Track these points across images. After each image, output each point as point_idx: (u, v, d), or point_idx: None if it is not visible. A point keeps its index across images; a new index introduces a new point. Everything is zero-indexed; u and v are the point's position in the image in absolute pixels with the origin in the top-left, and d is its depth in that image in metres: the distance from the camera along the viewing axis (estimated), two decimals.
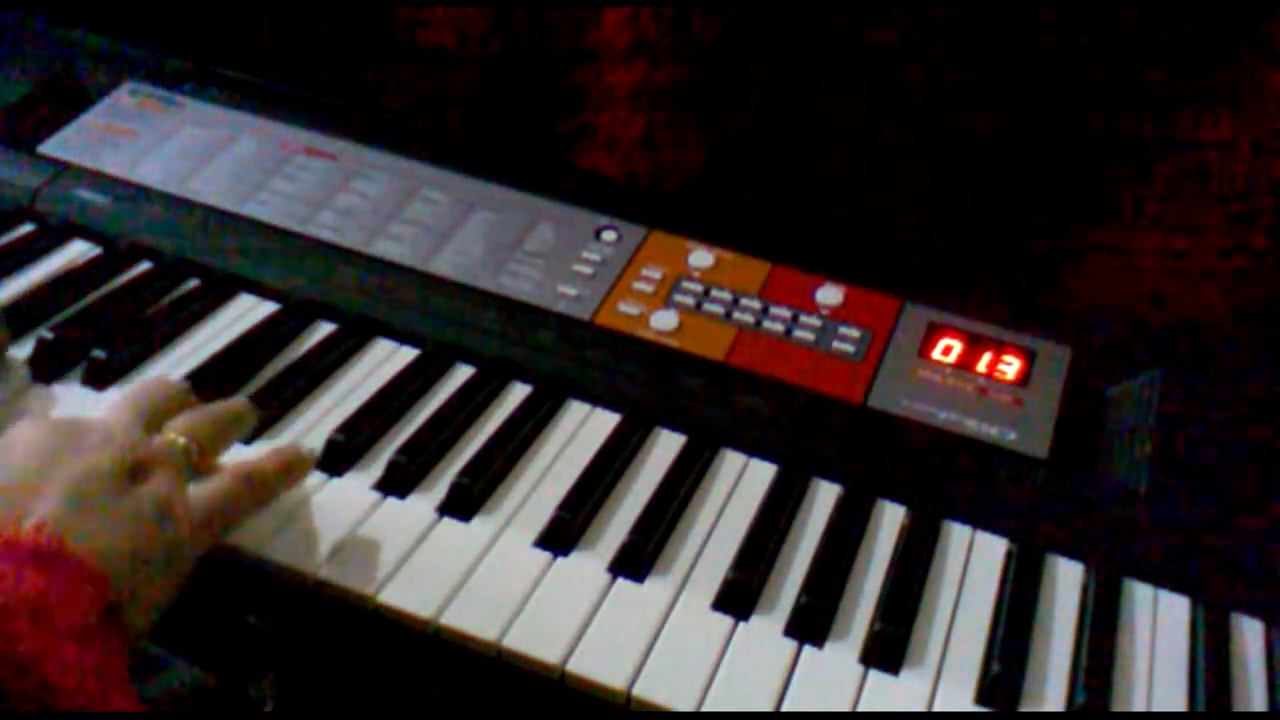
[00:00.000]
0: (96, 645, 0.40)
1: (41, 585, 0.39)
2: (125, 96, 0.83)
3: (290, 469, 0.54)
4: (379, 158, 0.79)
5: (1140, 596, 0.56)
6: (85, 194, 0.75)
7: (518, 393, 0.65)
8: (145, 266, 0.72)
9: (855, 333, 0.68)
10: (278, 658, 0.58)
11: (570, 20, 0.83)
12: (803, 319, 0.68)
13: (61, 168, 0.77)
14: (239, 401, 0.57)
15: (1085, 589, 0.56)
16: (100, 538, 0.43)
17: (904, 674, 0.51)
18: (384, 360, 0.66)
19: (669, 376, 0.65)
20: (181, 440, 0.50)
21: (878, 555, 0.57)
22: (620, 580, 0.54)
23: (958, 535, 0.59)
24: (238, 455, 0.55)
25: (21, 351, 0.63)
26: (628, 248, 0.73)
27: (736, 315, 0.68)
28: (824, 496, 0.60)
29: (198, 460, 0.51)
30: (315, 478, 0.58)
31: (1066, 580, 0.57)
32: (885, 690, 0.50)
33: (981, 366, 0.66)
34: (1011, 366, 0.66)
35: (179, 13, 0.91)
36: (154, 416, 0.51)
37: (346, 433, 0.59)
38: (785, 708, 0.49)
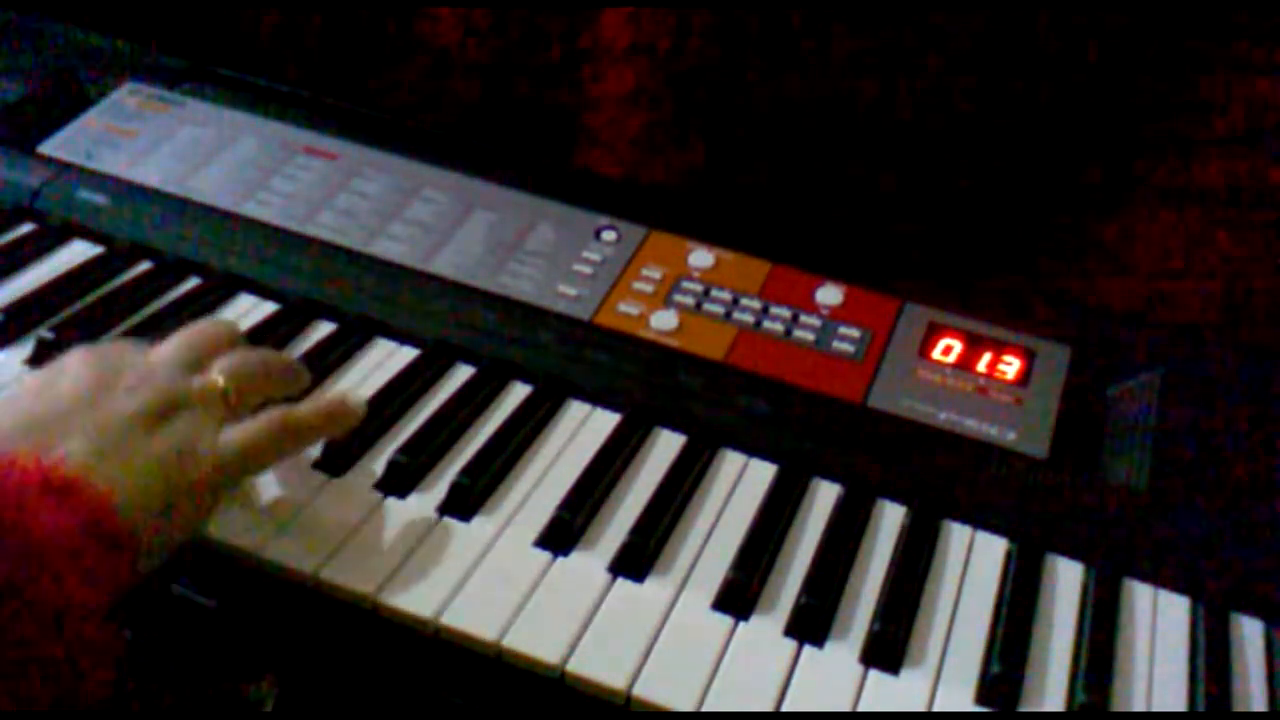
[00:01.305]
0: (94, 581, 0.41)
1: (50, 517, 0.40)
2: (125, 96, 0.83)
3: (334, 417, 0.54)
4: (379, 158, 0.79)
5: (1140, 596, 0.56)
6: (85, 194, 0.75)
7: (518, 393, 0.65)
8: (145, 266, 0.72)
9: (855, 333, 0.68)
10: (278, 658, 0.58)
11: (570, 20, 0.83)
12: (803, 319, 0.68)
13: (61, 168, 0.77)
14: (292, 358, 0.57)
15: (1085, 589, 0.56)
16: (118, 479, 0.44)
17: (904, 674, 0.51)
18: (384, 360, 0.66)
19: (669, 376, 0.65)
20: (220, 380, 0.51)
21: (878, 555, 0.57)
22: (620, 580, 0.54)
23: (958, 535, 0.59)
24: None
25: (21, 352, 0.63)
26: (628, 248, 0.73)
27: (736, 315, 0.69)
28: (824, 496, 0.60)
29: (235, 402, 0.51)
30: (315, 477, 0.58)
31: (1066, 580, 0.57)
32: (885, 690, 0.50)
33: (981, 366, 0.66)
34: (1011, 366, 0.66)
35: (179, 13, 0.91)
36: (199, 356, 0.52)
37: (346, 433, 0.59)
38: (785, 708, 0.49)
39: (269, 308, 0.69)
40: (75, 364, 0.49)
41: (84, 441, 0.45)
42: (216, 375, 0.51)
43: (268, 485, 0.56)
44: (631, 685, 0.49)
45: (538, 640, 0.50)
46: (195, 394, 0.50)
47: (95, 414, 0.46)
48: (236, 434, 0.50)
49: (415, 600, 0.51)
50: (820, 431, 0.63)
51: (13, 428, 0.45)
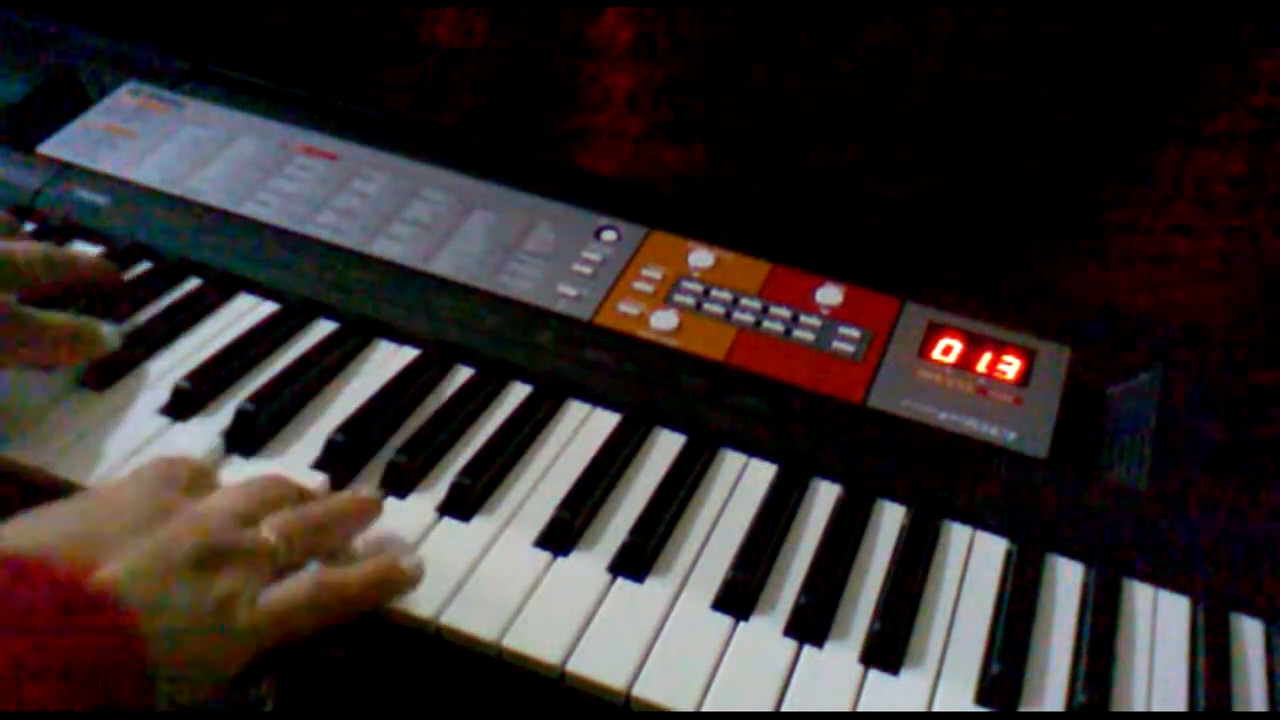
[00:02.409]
0: (107, 684, 0.39)
1: (75, 638, 0.39)
2: (125, 96, 0.83)
3: (383, 585, 0.51)
4: (379, 158, 0.79)
5: (1140, 596, 0.56)
6: (85, 194, 0.75)
7: (518, 393, 0.65)
8: (145, 266, 0.72)
9: (855, 333, 0.68)
10: (278, 658, 0.58)
11: (570, 20, 0.83)
12: (803, 319, 0.68)
13: (61, 168, 0.77)
14: (362, 497, 0.55)
15: (1085, 589, 0.56)
16: (152, 611, 0.42)
17: (904, 674, 0.51)
18: (384, 360, 0.66)
19: (669, 376, 0.65)
20: (271, 539, 0.49)
21: (878, 555, 0.57)
22: (620, 580, 0.54)
23: (958, 535, 0.59)
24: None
25: None
26: (628, 248, 0.73)
27: (736, 315, 0.69)
28: (824, 496, 0.60)
29: (283, 562, 0.49)
30: (315, 477, 0.58)
31: (1066, 580, 0.57)
32: (885, 690, 0.50)
33: (981, 366, 0.66)
34: (1011, 366, 0.66)
35: (179, 13, 0.91)
36: (254, 509, 0.50)
37: (346, 434, 0.59)
38: (785, 708, 0.49)
39: (269, 308, 0.69)
40: (131, 487, 0.48)
41: (127, 563, 0.43)
42: (267, 532, 0.49)
43: None
44: (631, 685, 0.49)
45: (538, 640, 0.50)
46: (245, 550, 0.47)
47: (145, 541, 0.45)
48: (277, 596, 0.47)
49: (415, 601, 0.51)
50: (820, 431, 0.63)
51: (59, 535, 0.44)
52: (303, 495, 0.53)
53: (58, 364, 0.60)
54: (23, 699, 0.37)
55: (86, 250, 0.70)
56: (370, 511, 0.54)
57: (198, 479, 0.51)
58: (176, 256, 0.72)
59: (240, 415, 0.60)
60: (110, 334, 0.61)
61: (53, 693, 0.37)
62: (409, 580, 0.51)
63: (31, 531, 0.44)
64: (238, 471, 0.57)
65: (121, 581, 0.42)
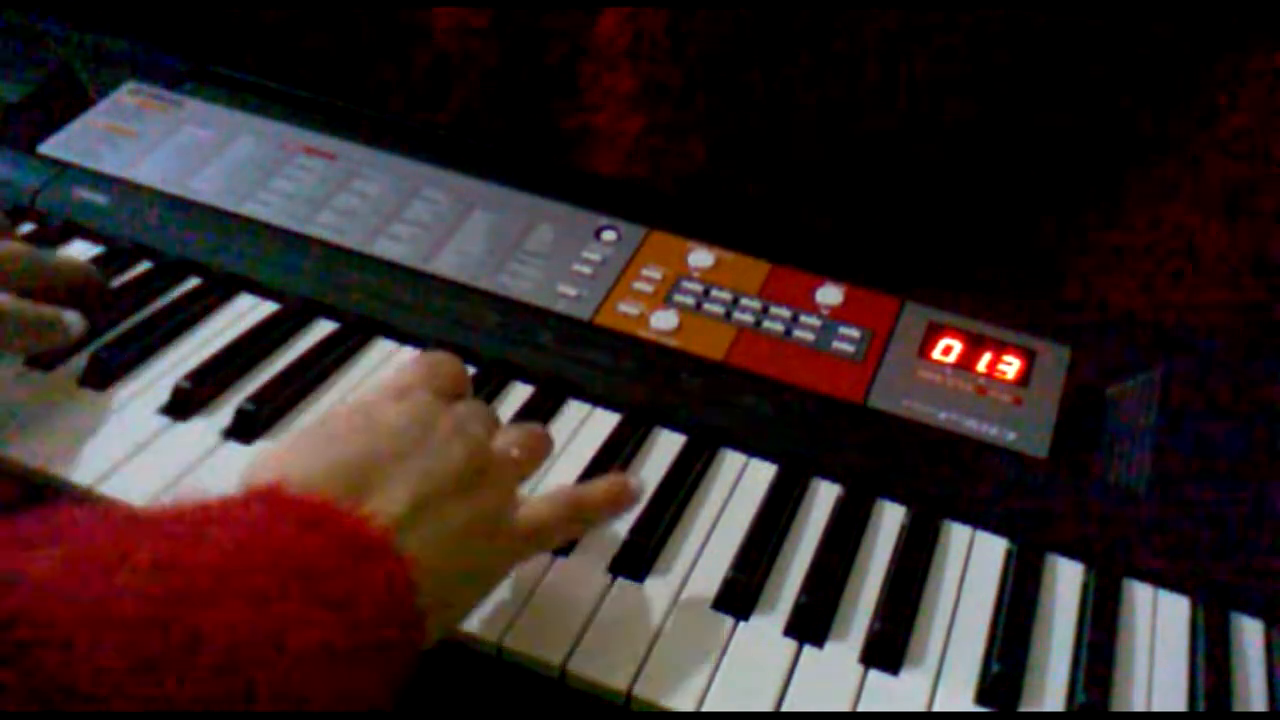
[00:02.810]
0: (384, 627, 0.39)
1: (358, 587, 0.38)
2: (125, 96, 0.83)
3: (617, 501, 0.52)
4: (379, 158, 0.79)
5: (1140, 596, 0.56)
6: (85, 194, 0.75)
7: (518, 393, 0.65)
8: (145, 266, 0.72)
9: (855, 333, 0.68)
10: None
11: (570, 20, 0.83)
12: (803, 319, 0.68)
13: (61, 168, 0.77)
14: (545, 430, 0.55)
15: (1085, 589, 0.56)
16: (428, 545, 0.42)
17: (904, 674, 0.51)
18: (384, 360, 0.66)
19: (669, 376, 0.65)
20: (515, 452, 0.50)
21: (878, 555, 0.57)
22: (620, 580, 0.54)
23: (958, 535, 0.59)
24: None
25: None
26: (628, 248, 0.73)
27: (736, 315, 0.69)
28: (824, 496, 0.60)
29: (525, 473, 0.51)
30: None
31: (1066, 580, 0.57)
32: (885, 690, 0.50)
33: (981, 366, 0.66)
34: (1011, 366, 0.66)
35: (179, 13, 0.91)
36: (493, 424, 0.51)
37: None
38: (785, 708, 0.49)
39: (269, 308, 0.69)
40: (387, 412, 0.47)
41: (401, 495, 0.43)
42: (511, 447, 0.50)
43: None
44: (632, 685, 0.49)
45: (538, 639, 0.50)
46: (498, 466, 0.48)
47: (413, 470, 0.44)
48: (532, 511, 0.49)
49: None
50: (820, 431, 0.63)
51: (330, 469, 0.43)
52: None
53: (18, 352, 0.60)
54: (294, 639, 0.36)
55: (73, 256, 0.69)
56: (548, 443, 0.55)
57: (454, 384, 0.52)
58: (176, 256, 0.72)
59: (240, 415, 0.60)
60: (74, 322, 0.61)
61: (323, 632, 0.36)
62: (635, 496, 0.53)
63: (297, 464, 0.43)
64: (238, 470, 0.57)
65: (401, 523, 0.41)
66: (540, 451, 0.53)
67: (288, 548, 0.38)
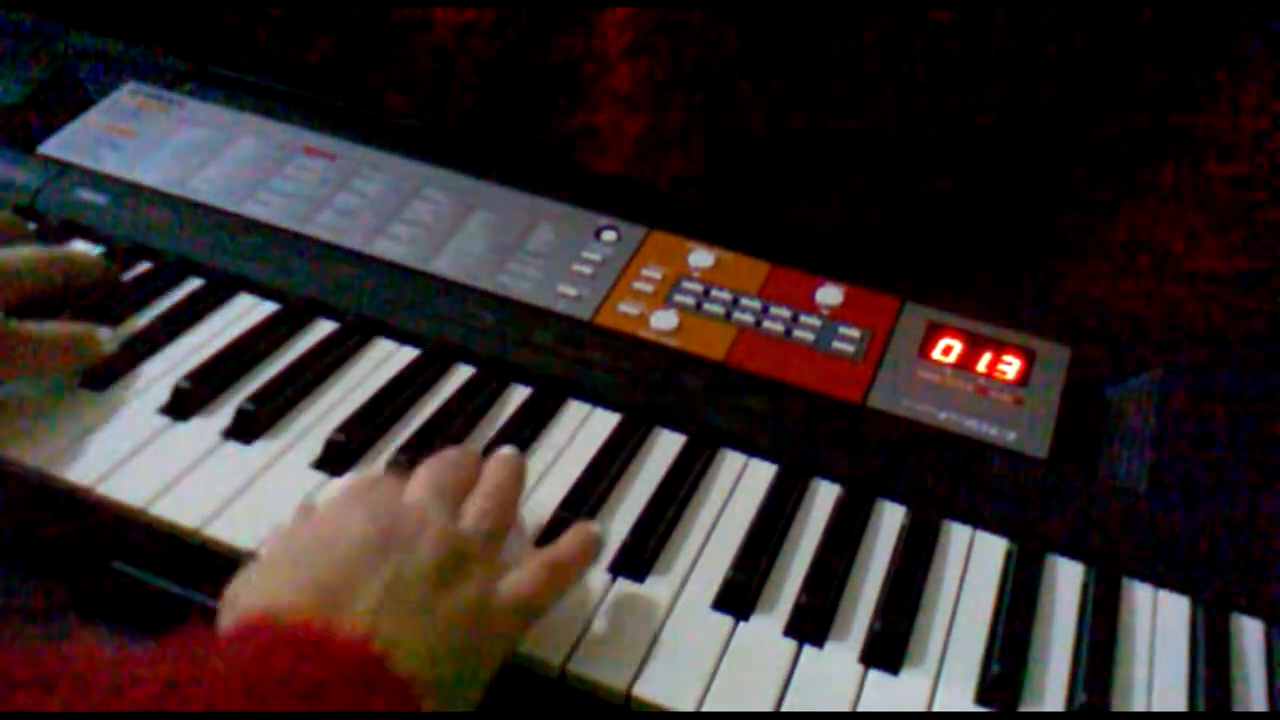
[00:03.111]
0: None
1: (352, 701, 0.38)
2: (125, 96, 0.83)
3: (589, 553, 0.52)
4: (379, 158, 0.79)
5: (1140, 596, 0.56)
6: (85, 194, 0.75)
7: (518, 393, 0.65)
8: (145, 266, 0.72)
9: (855, 333, 0.68)
10: None
11: (570, 20, 0.83)
12: (803, 319, 0.68)
13: (61, 168, 0.77)
14: (515, 456, 0.55)
15: (1085, 589, 0.56)
16: (417, 647, 0.41)
17: (904, 674, 0.51)
18: (384, 360, 0.66)
19: (669, 376, 0.65)
20: (485, 526, 0.49)
21: (878, 555, 0.57)
22: (620, 580, 0.54)
23: (958, 535, 0.59)
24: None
25: None
26: (628, 248, 0.73)
27: (736, 315, 0.69)
28: (824, 496, 0.60)
29: (499, 545, 0.49)
30: (314, 477, 0.58)
31: (1066, 580, 0.57)
32: (885, 690, 0.50)
33: (981, 366, 0.66)
34: (1011, 366, 0.66)
35: (179, 13, 0.91)
36: (454, 493, 0.50)
37: (346, 433, 0.59)
38: (785, 708, 0.49)
39: (269, 308, 0.69)
40: (348, 519, 0.46)
41: (379, 605, 0.42)
42: (478, 521, 0.49)
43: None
44: (631, 685, 0.49)
45: (538, 640, 0.50)
46: (476, 549, 0.47)
47: (386, 571, 0.43)
48: (515, 587, 0.47)
49: None
50: (820, 431, 0.63)
51: (304, 590, 0.42)
52: (477, 463, 0.53)
53: (57, 371, 0.61)
54: None
55: (85, 252, 0.70)
56: (520, 477, 0.54)
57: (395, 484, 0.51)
58: (176, 256, 0.72)
59: (240, 415, 0.60)
60: (108, 338, 0.62)
61: None
62: (602, 543, 0.53)
63: (271, 589, 0.42)
64: (238, 470, 0.57)
65: (376, 628, 0.41)
66: (511, 501, 0.52)
67: (290, 681, 0.37)
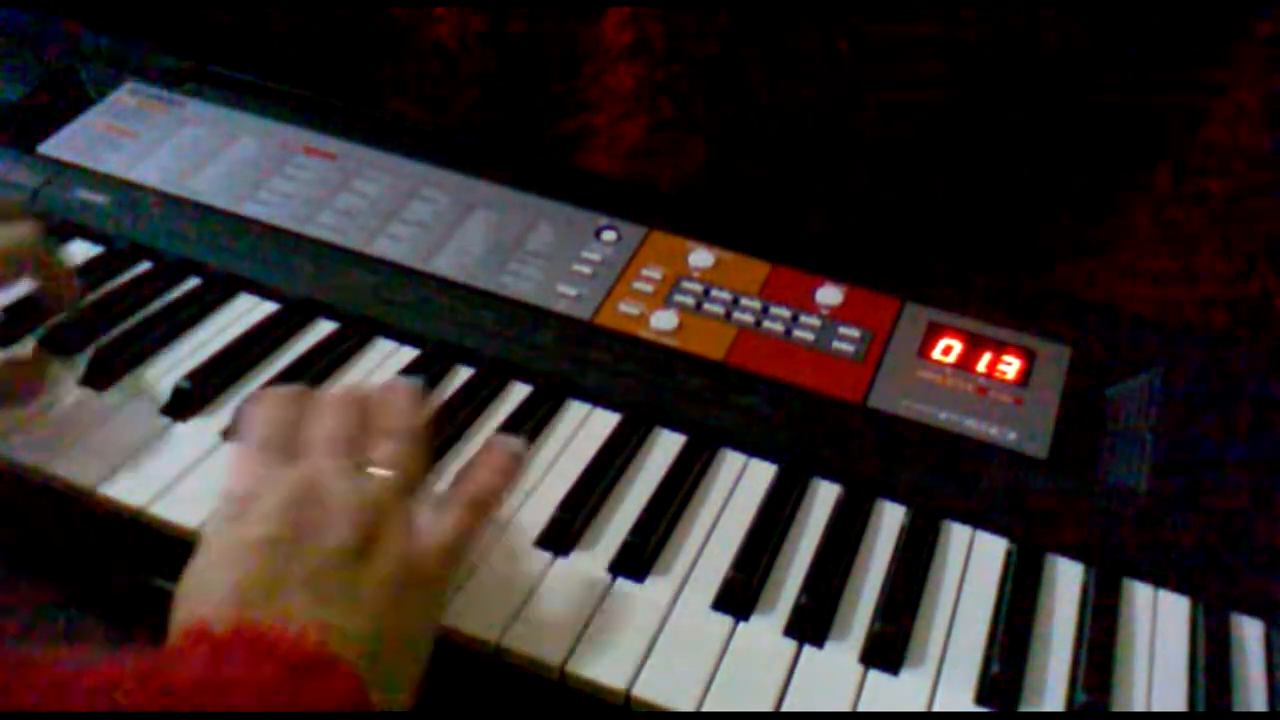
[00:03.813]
0: None
1: (293, 693, 0.38)
2: (125, 96, 0.83)
3: (505, 471, 0.50)
4: (379, 158, 0.79)
5: (1140, 596, 0.56)
6: (85, 194, 0.75)
7: (518, 393, 0.65)
8: (145, 266, 0.72)
9: (855, 333, 0.68)
10: None
11: (570, 20, 0.83)
12: (803, 319, 0.68)
13: (61, 168, 0.77)
14: (407, 385, 0.53)
15: (1085, 589, 0.56)
16: (352, 629, 0.41)
17: (904, 674, 0.51)
18: (384, 360, 0.66)
19: (669, 376, 0.65)
20: (393, 475, 0.47)
21: (878, 555, 0.57)
22: (620, 580, 0.54)
23: (958, 535, 0.59)
24: None
25: (24, 351, 0.63)
26: (628, 248, 0.73)
27: (736, 315, 0.68)
28: (824, 496, 0.60)
29: (409, 490, 0.48)
30: None
31: (1066, 580, 0.57)
32: (885, 690, 0.50)
33: (981, 366, 0.66)
34: (1011, 366, 0.66)
35: (179, 13, 0.91)
36: (362, 445, 0.48)
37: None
38: (785, 708, 0.49)
39: (269, 308, 0.69)
40: (254, 507, 0.45)
41: (308, 596, 0.41)
42: (389, 467, 0.47)
43: None
44: (631, 685, 0.49)
45: (538, 640, 0.50)
46: (383, 502, 0.46)
47: (302, 565, 0.42)
48: (438, 534, 0.46)
49: None
50: (820, 431, 0.63)
51: (230, 595, 0.41)
52: (369, 400, 0.51)
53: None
54: None
55: (67, 261, 0.65)
56: (418, 389, 0.53)
57: (291, 420, 0.49)
58: (176, 256, 0.72)
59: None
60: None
61: None
62: (518, 453, 0.51)
63: (204, 596, 0.42)
64: None
65: (312, 620, 0.41)
66: (419, 437, 0.50)
67: (245, 684, 0.38)
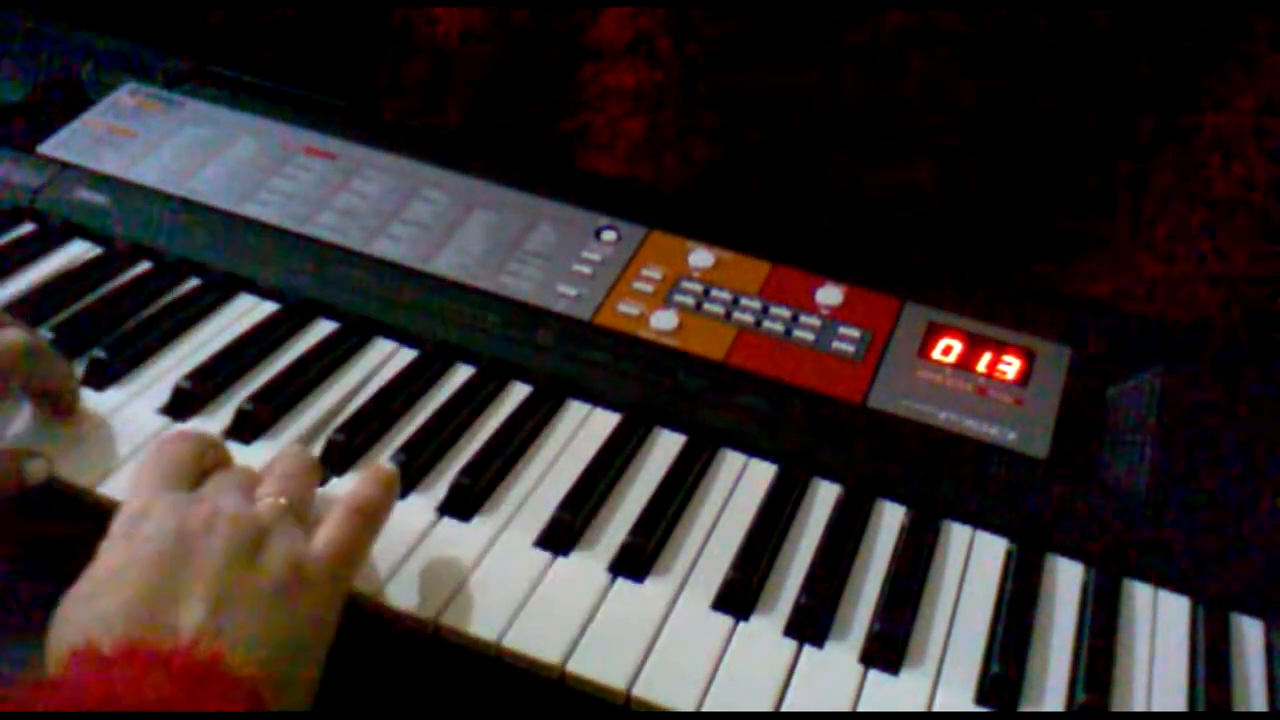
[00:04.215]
0: None
1: (193, 704, 0.39)
2: (125, 96, 0.83)
3: (389, 488, 0.52)
4: (379, 158, 0.79)
5: (1140, 596, 0.56)
6: (85, 194, 0.75)
7: (518, 393, 0.65)
8: (145, 266, 0.72)
9: (855, 333, 0.68)
10: None
11: (570, 20, 0.83)
12: (803, 319, 0.68)
13: (61, 168, 0.77)
14: (301, 449, 0.55)
15: (1085, 589, 0.56)
16: (253, 636, 0.42)
17: (904, 674, 0.51)
18: (384, 360, 0.66)
19: (669, 376, 0.65)
20: (284, 500, 0.49)
21: (878, 555, 0.57)
22: (620, 580, 0.54)
23: (958, 535, 0.59)
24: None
25: None
26: (628, 248, 0.73)
27: (736, 315, 0.68)
28: (824, 496, 0.60)
29: (299, 514, 0.50)
30: None
31: (1066, 580, 0.57)
32: (885, 690, 0.50)
33: (981, 366, 0.66)
34: (1011, 366, 0.66)
35: (179, 13, 0.91)
36: (247, 490, 0.50)
37: (347, 433, 0.59)
38: (785, 708, 0.49)
39: (269, 308, 0.69)
40: (144, 524, 0.46)
41: (204, 607, 0.42)
42: (277, 496, 0.49)
43: None
44: (631, 685, 0.49)
45: (538, 640, 0.50)
46: (273, 519, 0.47)
47: (195, 571, 0.43)
48: (328, 543, 0.48)
49: (415, 601, 0.51)
50: (820, 431, 0.63)
51: (119, 612, 0.42)
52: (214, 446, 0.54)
53: None
54: None
55: (63, 362, 0.60)
56: (315, 462, 0.55)
57: (190, 463, 0.51)
58: (176, 256, 0.72)
59: (240, 415, 0.60)
60: (36, 469, 0.55)
61: None
62: (395, 476, 0.53)
63: (92, 617, 0.42)
64: None
65: (205, 630, 0.41)
66: (307, 477, 0.52)
67: (137, 699, 0.38)
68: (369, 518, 0.50)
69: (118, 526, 0.47)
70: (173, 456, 0.51)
